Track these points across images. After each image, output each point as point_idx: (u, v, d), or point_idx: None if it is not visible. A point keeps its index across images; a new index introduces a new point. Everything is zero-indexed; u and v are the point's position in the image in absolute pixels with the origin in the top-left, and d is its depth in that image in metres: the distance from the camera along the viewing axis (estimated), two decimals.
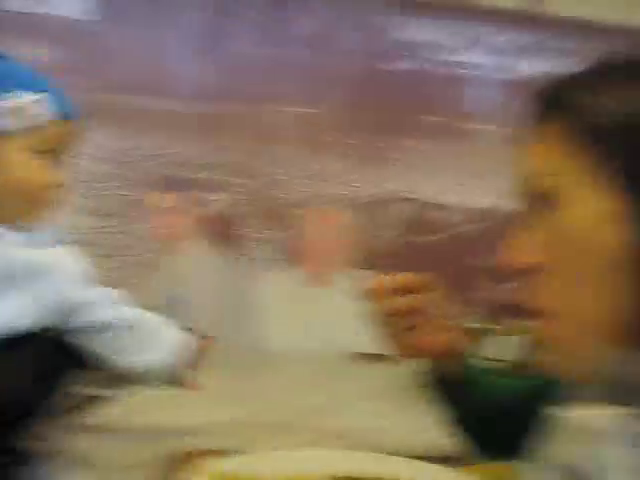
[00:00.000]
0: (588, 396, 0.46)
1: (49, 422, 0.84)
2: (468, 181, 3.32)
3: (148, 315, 0.94)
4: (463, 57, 3.18)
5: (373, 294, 0.86)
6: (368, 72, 3.01)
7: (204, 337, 0.98)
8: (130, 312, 0.91)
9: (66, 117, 0.86)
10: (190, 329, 2.23)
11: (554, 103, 0.60)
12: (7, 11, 2.35)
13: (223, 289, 2.31)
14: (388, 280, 0.87)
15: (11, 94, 0.81)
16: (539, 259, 0.58)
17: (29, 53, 2.40)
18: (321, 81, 2.99)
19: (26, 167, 0.83)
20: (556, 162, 0.58)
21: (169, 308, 2.26)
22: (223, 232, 2.40)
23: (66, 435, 0.89)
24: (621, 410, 0.44)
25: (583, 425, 0.44)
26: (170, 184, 2.42)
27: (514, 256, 0.60)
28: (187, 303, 2.25)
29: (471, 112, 3.39)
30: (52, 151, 0.85)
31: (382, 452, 0.82)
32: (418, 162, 3.25)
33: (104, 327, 0.86)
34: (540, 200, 0.59)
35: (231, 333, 2.28)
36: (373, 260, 3.12)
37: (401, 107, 3.17)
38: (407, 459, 0.79)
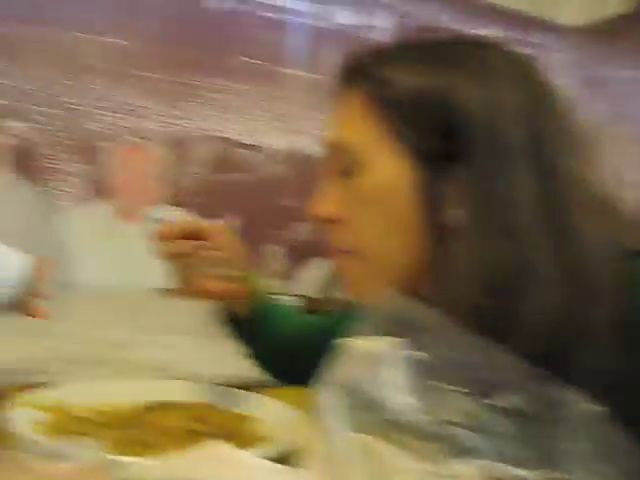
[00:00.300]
0: (372, 328, 0.54)
1: None
2: (278, 124, 3.39)
3: None
4: (284, 2, 3.22)
5: (160, 236, 0.91)
6: (186, 8, 2.96)
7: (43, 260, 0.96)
8: None
9: None
10: None
11: (359, 73, 0.66)
12: None
13: (28, 223, 2.23)
14: (175, 225, 0.93)
15: None
16: (341, 212, 0.66)
17: None
18: (135, 12, 2.89)
19: None
20: (358, 130, 0.65)
21: None
22: (26, 164, 2.30)
23: None
24: (397, 340, 0.52)
25: (365, 351, 0.52)
26: None
27: (320, 208, 0.67)
28: None
29: (287, 57, 3.44)
30: None
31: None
32: (230, 102, 3.26)
33: None
34: (342, 163, 0.66)
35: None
36: (182, 197, 3.13)
37: (216, 46, 3.15)
38: (212, 385, 0.86)
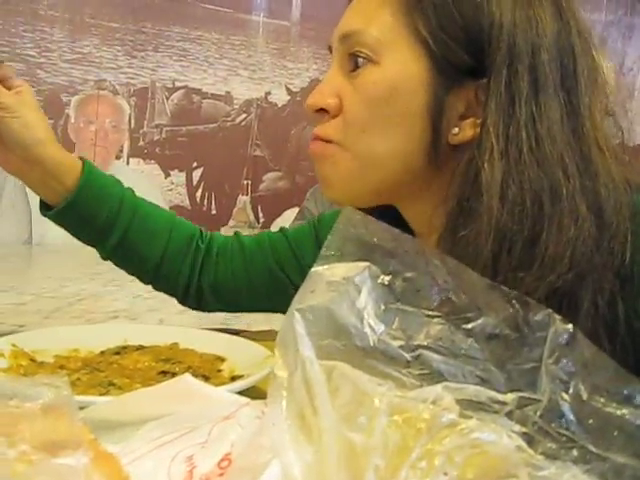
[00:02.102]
0: (337, 251, 0.52)
1: None
2: (244, 72, 3.32)
3: None
4: None
5: None
6: None
7: None
8: None
9: None
10: None
11: None
12: None
13: None
14: None
15: None
16: (337, 104, 0.62)
17: None
18: None
19: None
20: (373, 20, 0.61)
21: None
22: None
23: None
24: (365, 264, 0.50)
25: (334, 277, 0.50)
26: None
27: (315, 97, 0.63)
28: None
29: (251, 3, 3.35)
30: None
31: None
32: (194, 51, 3.19)
33: None
34: (351, 58, 0.62)
35: None
36: (147, 148, 3.07)
37: None
38: (184, 328, 0.84)
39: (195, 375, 0.71)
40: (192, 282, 0.85)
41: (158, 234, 0.83)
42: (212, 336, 0.82)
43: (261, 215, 3.34)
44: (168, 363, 0.73)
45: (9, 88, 0.75)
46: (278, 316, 1.02)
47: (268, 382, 0.45)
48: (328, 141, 0.63)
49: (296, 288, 0.48)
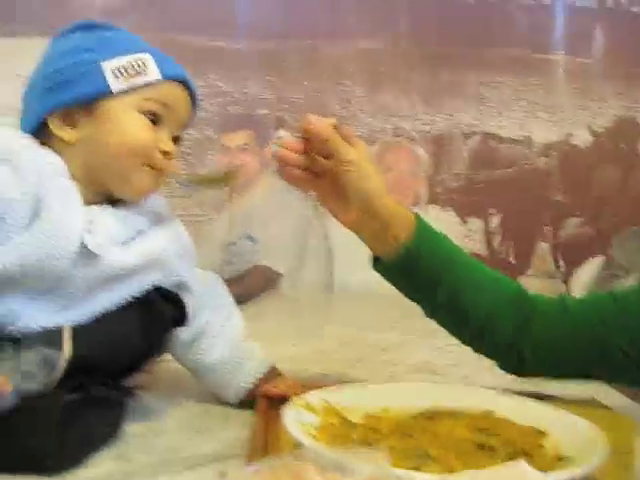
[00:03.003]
0: None
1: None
2: (543, 115, 3.20)
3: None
4: None
5: (281, 158, 0.81)
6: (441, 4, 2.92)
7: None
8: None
9: (170, 78, 0.80)
10: (261, 267, 2.24)
11: None
12: None
13: (295, 227, 2.30)
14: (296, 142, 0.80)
15: (115, 57, 0.77)
16: None
17: None
18: (386, 12, 2.90)
19: (133, 123, 0.78)
20: None
21: (240, 246, 2.27)
22: None
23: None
24: None
25: None
26: (238, 122, 2.41)
27: None
28: (258, 241, 2.25)
29: (547, 43, 3.24)
30: (160, 115, 0.79)
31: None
32: (490, 95, 3.14)
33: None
34: None
35: (302, 270, 2.27)
36: (443, 195, 3.06)
37: (471, 39, 3.06)
38: (498, 392, 0.77)
39: (515, 451, 0.63)
40: (514, 344, 0.78)
41: (485, 291, 0.78)
42: (529, 405, 0.73)
43: (562, 264, 3.15)
44: (484, 434, 0.66)
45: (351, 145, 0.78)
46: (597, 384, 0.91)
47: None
48: None
49: (625, 355, 0.40)
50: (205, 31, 2.46)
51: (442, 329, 0.87)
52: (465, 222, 3.03)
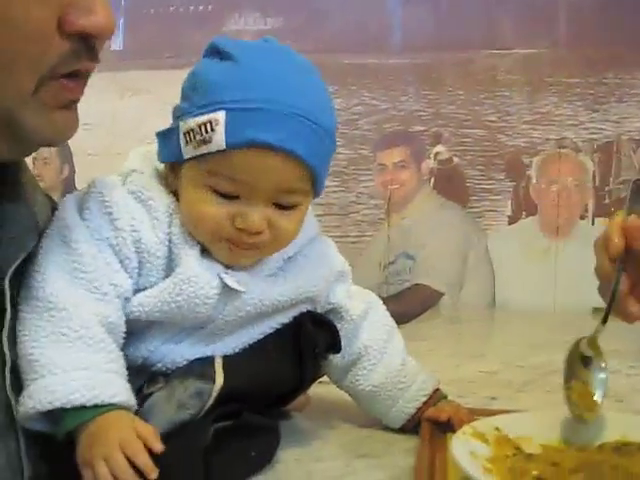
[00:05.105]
0: None
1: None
2: None
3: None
4: None
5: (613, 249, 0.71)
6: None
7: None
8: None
9: (240, 146, 0.64)
10: (421, 285, 2.19)
11: None
12: None
13: (455, 244, 2.24)
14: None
15: (190, 115, 0.66)
16: None
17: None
18: (543, 18, 2.77)
19: (197, 197, 0.67)
20: None
21: (399, 265, 2.24)
22: (451, 185, 2.32)
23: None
24: None
25: None
26: (394, 139, 2.38)
27: None
28: (416, 259, 2.21)
29: None
30: (231, 191, 0.66)
31: None
32: None
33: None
34: None
35: (463, 288, 2.21)
36: (612, 206, 2.88)
37: (636, 37, 2.86)
38: None
39: None
40: None
41: None
42: None
43: None
44: None
45: None
46: None
47: None
48: None
49: None
50: (358, 49, 2.46)
51: (621, 349, 0.78)
52: None
